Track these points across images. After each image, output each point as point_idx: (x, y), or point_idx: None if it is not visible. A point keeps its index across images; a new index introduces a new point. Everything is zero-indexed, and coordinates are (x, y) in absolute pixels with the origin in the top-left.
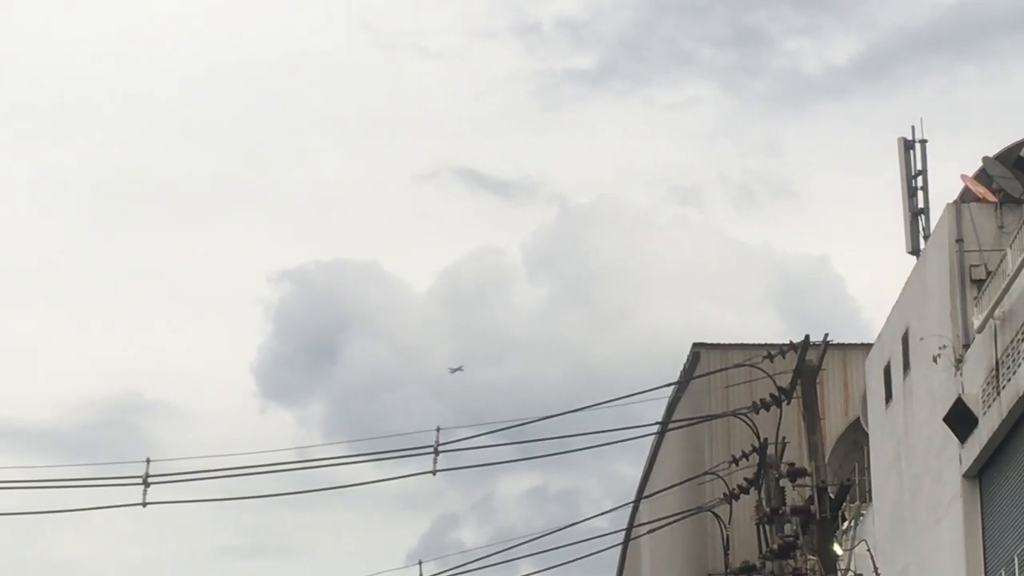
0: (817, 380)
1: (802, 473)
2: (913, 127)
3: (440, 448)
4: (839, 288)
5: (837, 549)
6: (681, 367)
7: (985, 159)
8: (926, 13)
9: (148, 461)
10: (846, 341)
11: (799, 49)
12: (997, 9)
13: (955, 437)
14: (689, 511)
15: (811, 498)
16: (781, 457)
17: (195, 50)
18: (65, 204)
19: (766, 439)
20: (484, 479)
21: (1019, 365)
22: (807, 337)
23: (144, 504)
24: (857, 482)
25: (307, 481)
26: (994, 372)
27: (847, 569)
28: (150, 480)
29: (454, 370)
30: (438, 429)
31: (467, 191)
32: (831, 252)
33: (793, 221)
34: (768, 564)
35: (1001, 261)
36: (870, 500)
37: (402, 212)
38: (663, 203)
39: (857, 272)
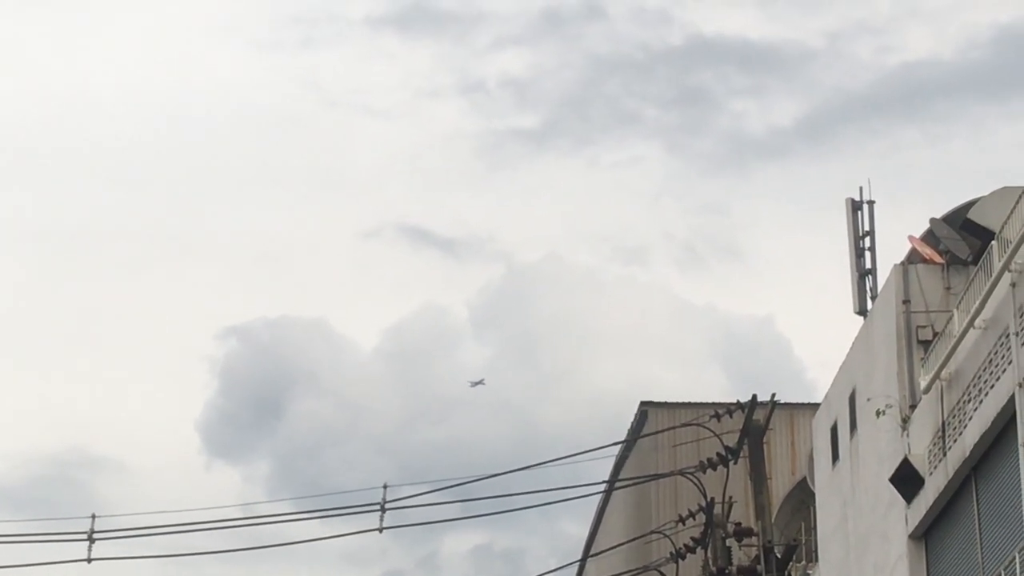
0: (764, 440)
1: (749, 533)
2: (861, 188)
3: (387, 505)
4: (784, 348)
5: None
6: (627, 426)
7: (932, 220)
8: (868, 76)
9: (94, 517)
10: (793, 401)
11: (743, 110)
12: (938, 72)
13: (901, 497)
14: (636, 570)
15: (758, 558)
16: (728, 517)
17: (144, 103)
18: (10, 256)
19: (713, 498)
20: (429, 536)
21: (965, 426)
22: (754, 397)
23: (89, 560)
24: (803, 542)
25: (253, 538)
26: (940, 433)
27: None
28: (95, 536)
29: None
30: (385, 486)
31: (412, 248)
32: (776, 312)
33: (738, 281)
34: None
35: (948, 322)
36: (816, 560)
37: (348, 269)
38: (609, 262)
39: (802, 332)
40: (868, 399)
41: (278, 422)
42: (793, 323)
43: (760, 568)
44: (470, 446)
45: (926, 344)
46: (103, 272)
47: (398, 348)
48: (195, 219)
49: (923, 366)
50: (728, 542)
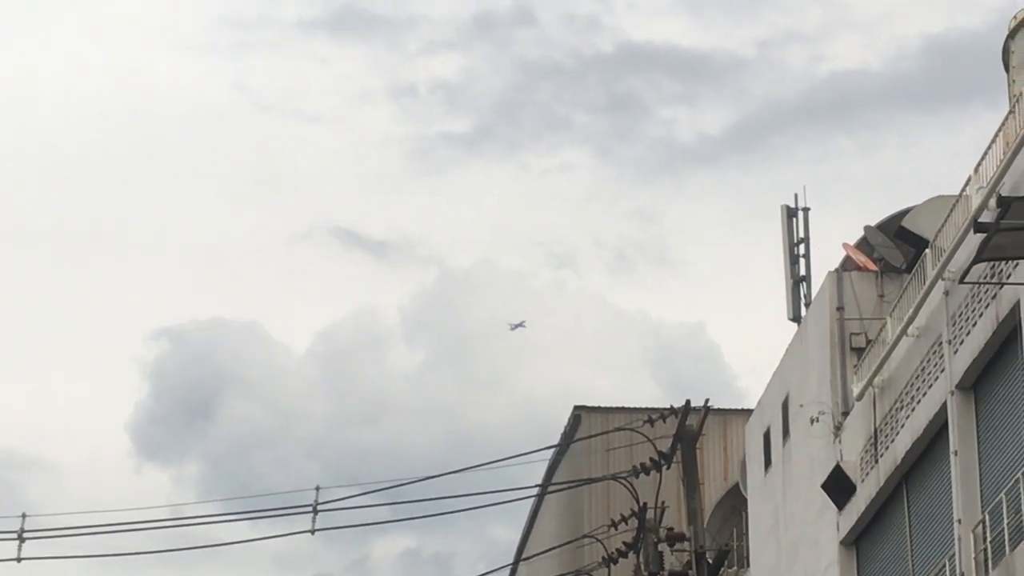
0: (697, 445)
1: (681, 538)
2: (796, 195)
3: (319, 507)
4: (715, 355)
5: None
6: (560, 431)
7: (866, 228)
8: (799, 85)
9: (24, 516)
10: (725, 407)
11: (674, 117)
12: (868, 82)
13: (833, 504)
14: (568, 574)
15: (689, 563)
16: (660, 521)
17: (76, 104)
18: None
19: (645, 503)
20: (360, 540)
21: (897, 433)
22: (688, 402)
23: (19, 559)
24: (735, 547)
25: (183, 539)
26: (872, 440)
27: None
28: (25, 535)
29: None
30: (317, 488)
31: (344, 252)
32: (707, 319)
33: (669, 287)
34: None
35: (881, 330)
36: (748, 566)
37: (280, 272)
38: (540, 267)
39: (733, 339)
40: (801, 406)
41: (209, 424)
42: (724, 330)
43: (692, 573)
44: (402, 449)
45: (859, 351)
46: (33, 272)
47: (330, 351)
48: (127, 220)
49: (856, 373)
50: (660, 547)
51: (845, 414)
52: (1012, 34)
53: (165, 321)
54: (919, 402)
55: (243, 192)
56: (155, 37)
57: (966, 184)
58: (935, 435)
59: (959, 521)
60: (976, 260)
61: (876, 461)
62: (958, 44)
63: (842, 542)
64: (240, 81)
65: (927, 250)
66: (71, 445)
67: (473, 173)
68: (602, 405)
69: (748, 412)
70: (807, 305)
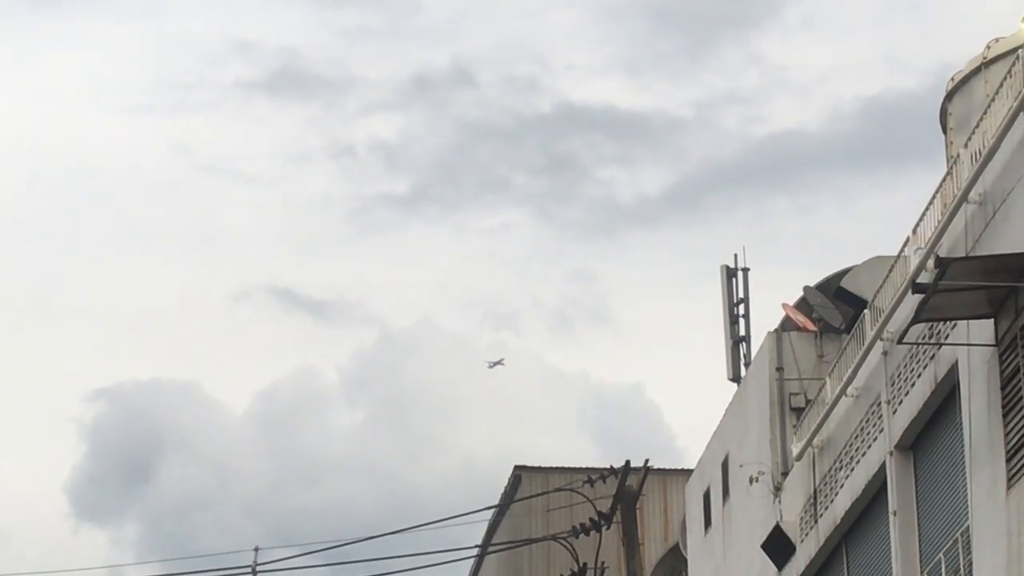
0: (637, 505)
1: None
2: (736, 255)
3: (258, 568)
4: (654, 415)
5: None
6: (500, 491)
7: (806, 288)
8: (735, 146)
9: None
10: (665, 467)
11: (612, 178)
12: (804, 143)
13: (773, 564)
14: None
15: None
16: None
17: (16, 165)
18: None
19: (585, 564)
20: None
21: (836, 493)
22: (627, 462)
23: None
24: None
25: None
26: (812, 500)
27: None
28: None
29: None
30: (256, 549)
31: (284, 312)
32: (646, 379)
33: (608, 348)
34: None
35: (820, 390)
36: None
37: (220, 332)
38: (480, 328)
39: (672, 399)
40: (741, 465)
41: (147, 485)
42: (664, 390)
43: None
44: (342, 510)
45: (799, 411)
46: None
47: (269, 411)
48: (66, 281)
49: (795, 433)
50: None
51: (785, 474)
52: (950, 96)
53: (103, 382)
54: (858, 462)
55: (183, 252)
56: (95, 98)
57: (904, 245)
58: (874, 495)
59: None
60: (914, 321)
61: (816, 521)
62: (893, 106)
63: None
64: (180, 142)
65: (866, 311)
66: (8, 506)
67: (413, 233)
68: (542, 465)
69: (688, 472)
70: (747, 365)
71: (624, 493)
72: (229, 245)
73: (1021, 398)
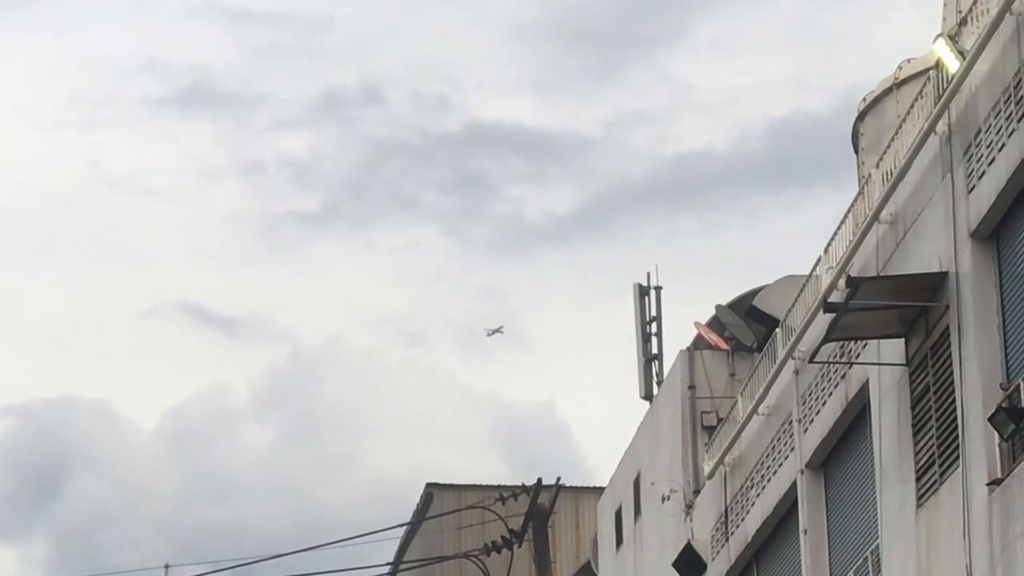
0: (549, 523)
1: None
2: (648, 274)
3: None
4: (564, 433)
5: None
6: (412, 508)
7: (718, 307)
8: (644, 165)
9: None
10: (577, 484)
11: (521, 196)
12: (713, 163)
13: None
14: None
15: None
16: None
17: None
18: None
19: None
20: None
21: (748, 511)
22: (539, 480)
23: None
24: None
25: None
26: (723, 518)
27: None
28: None
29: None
30: (167, 566)
31: (193, 328)
32: (557, 397)
33: (518, 365)
34: None
35: (732, 408)
36: None
37: (129, 349)
38: (390, 345)
39: (583, 417)
40: (652, 483)
41: (56, 502)
42: (574, 408)
43: None
44: (252, 527)
45: (711, 430)
46: None
47: (179, 428)
48: None
49: (707, 451)
50: None
51: (696, 492)
52: (861, 116)
53: (11, 398)
54: (769, 480)
55: (91, 268)
56: (3, 113)
57: (816, 264)
58: (785, 513)
59: None
60: (825, 340)
61: (727, 539)
62: (801, 126)
63: None
64: (88, 158)
65: (777, 329)
66: None
67: (322, 250)
68: (454, 483)
69: (600, 490)
70: (659, 383)
71: (536, 511)
72: (139, 261)
73: (931, 417)
